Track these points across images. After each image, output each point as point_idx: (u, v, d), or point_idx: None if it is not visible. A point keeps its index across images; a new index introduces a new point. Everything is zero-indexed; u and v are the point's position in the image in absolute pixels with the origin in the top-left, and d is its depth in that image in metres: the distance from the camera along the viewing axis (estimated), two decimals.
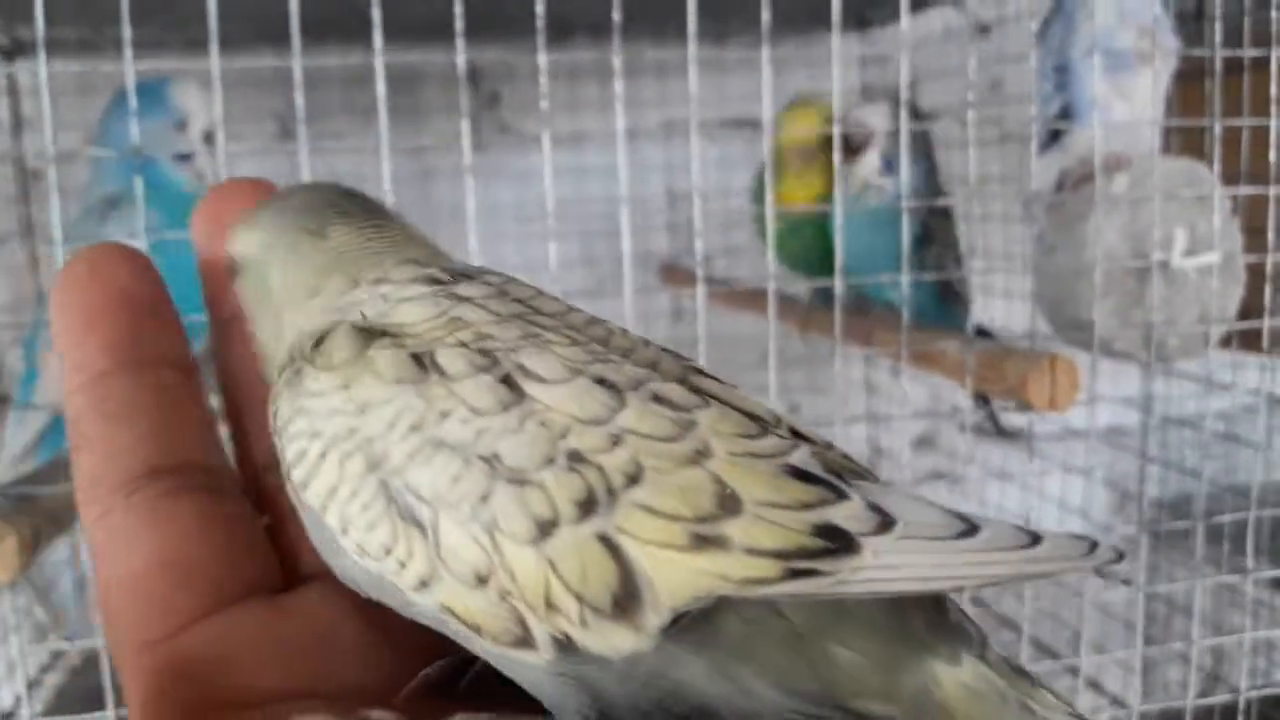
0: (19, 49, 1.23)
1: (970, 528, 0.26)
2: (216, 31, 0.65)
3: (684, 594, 0.25)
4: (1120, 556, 0.27)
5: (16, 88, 1.24)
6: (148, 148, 0.78)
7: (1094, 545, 0.26)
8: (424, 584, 0.26)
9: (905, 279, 0.81)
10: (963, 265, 0.99)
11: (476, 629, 0.26)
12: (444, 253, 0.34)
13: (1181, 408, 1.07)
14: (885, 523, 0.26)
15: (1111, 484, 1.17)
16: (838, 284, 0.79)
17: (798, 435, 0.29)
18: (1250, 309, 0.89)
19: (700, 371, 0.30)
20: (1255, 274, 0.89)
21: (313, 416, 0.28)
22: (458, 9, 0.66)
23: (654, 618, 0.25)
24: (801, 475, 0.27)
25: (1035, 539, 0.26)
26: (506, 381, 0.27)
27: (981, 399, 0.99)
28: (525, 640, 0.26)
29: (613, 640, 0.25)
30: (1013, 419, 1.04)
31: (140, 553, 0.29)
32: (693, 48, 0.71)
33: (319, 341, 0.29)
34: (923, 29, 1.16)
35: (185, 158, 0.94)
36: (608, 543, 0.25)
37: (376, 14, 0.65)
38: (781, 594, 0.25)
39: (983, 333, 0.88)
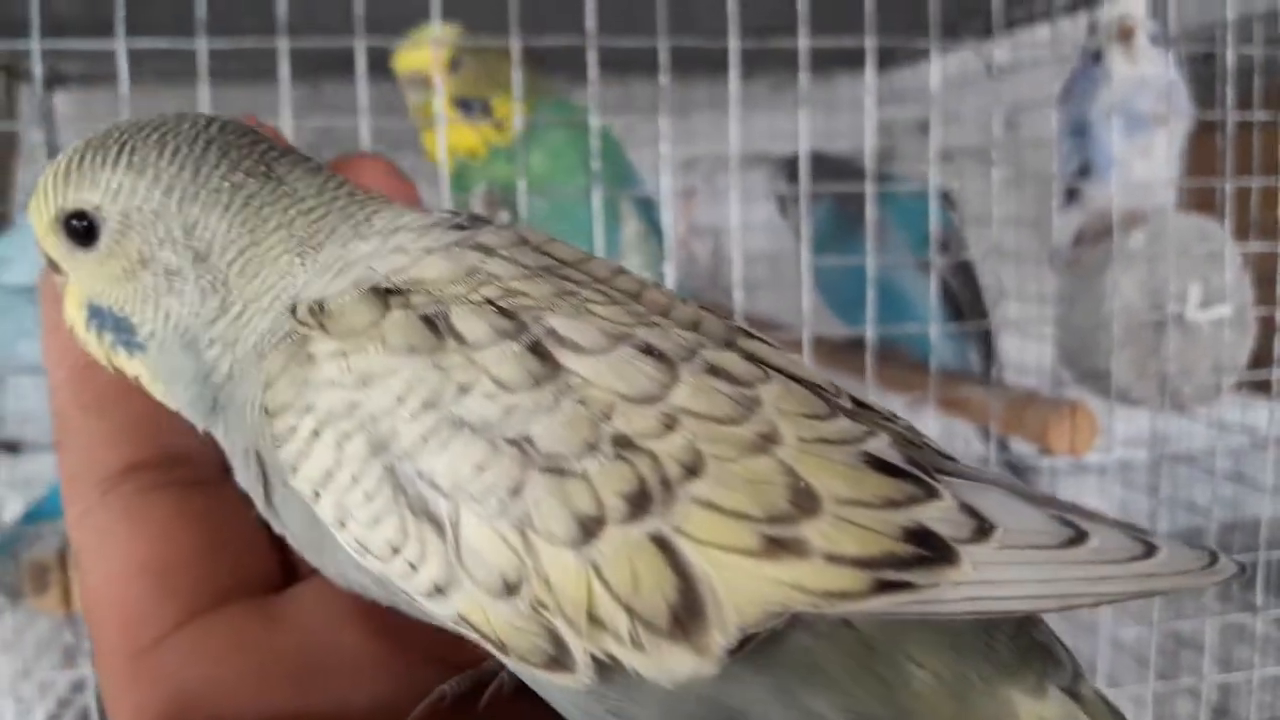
0: (58, 79, 1.27)
1: (1077, 533, 0.22)
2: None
3: (754, 610, 0.21)
4: (1243, 570, 0.23)
5: (53, 116, 1.27)
6: None
7: (1213, 557, 0.23)
8: (439, 590, 0.22)
9: (932, 329, 0.84)
10: (982, 306, 1.02)
11: (500, 645, 0.22)
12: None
13: (1190, 445, 1.10)
14: (982, 527, 0.22)
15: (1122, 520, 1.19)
16: (868, 332, 0.82)
17: (861, 405, 0.25)
18: (1260, 358, 0.93)
19: (747, 332, 0.26)
20: (1265, 325, 0.93)
21: (304, 387, 0.24)
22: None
23: (719, 638, 0.21)
24: (883, 467, 0.23)
25: (1150, 548, 0.23)
26: (536, 351, 0.23)
27: (998, 440, 1.03)
28: (559, 661, 0.22)
29: (668, 663, 0.21)
30: (1027, 457, 1.07)
31: (118, 555, 0.27)
32: (735, 85, 0.73)
33: (320, 308, 0.25)
34: (943, 71, 1.19)
35: None
36: (664, 545, 0.21)
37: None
38: (867, 611, 0.21)
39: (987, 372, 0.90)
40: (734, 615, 0.21)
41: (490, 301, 0.24)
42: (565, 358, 0.23)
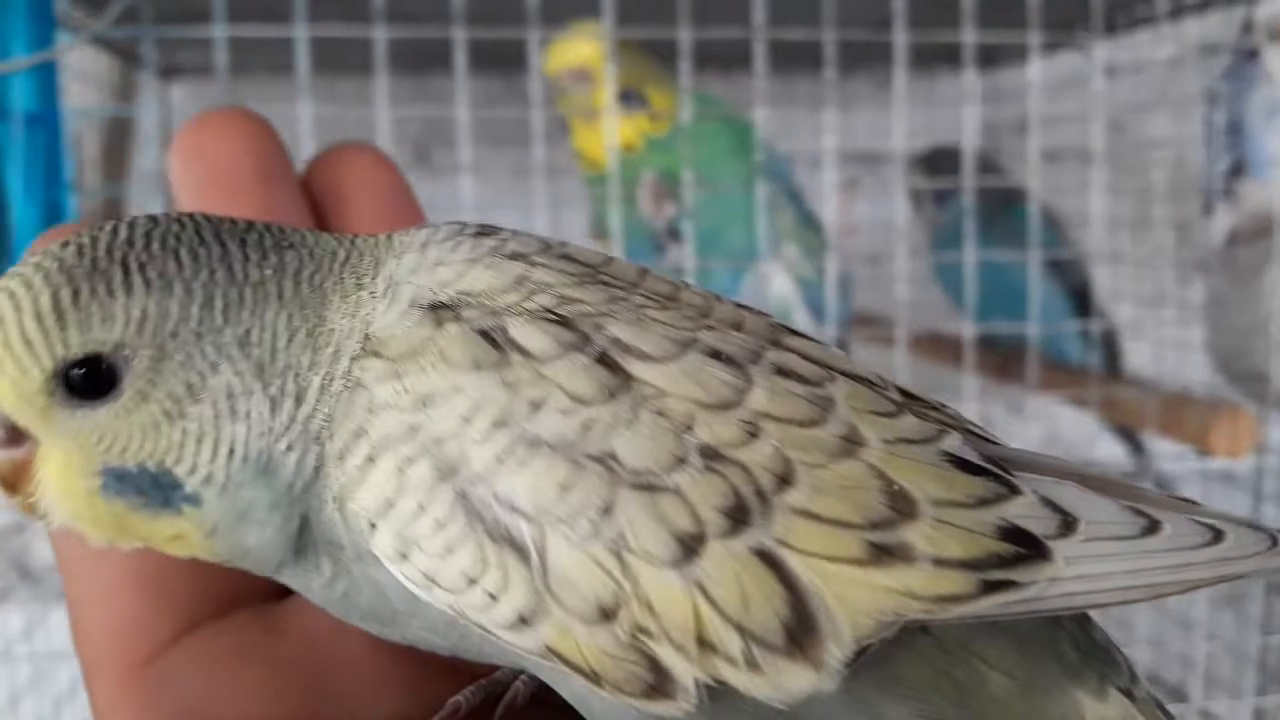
0: (174, 70, 1.29)
1: (1150, 522, 0.22)
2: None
3: (868, 620, 0.21)
4: None
5: (170, 106, 1.29)
6: None
7: (1274, 539, 0.23)
8: (523, 621, 0.21)
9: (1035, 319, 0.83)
10: (1099, 307, 1.01)
11: (593, 675, 0.21)
12: None
13: None
14: (1066, 521, 0.22)
15: None
16: (966, 328, 0.81)
17: (908, 396, 0.25)
18: None
19: (787, 328, 0.25)
20: None
21: (353, 412, 0.22)
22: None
23: (836, 651, 0.21)
24: (965, 465, 0.22)
25: (1217, 533, 0.22)
26: (604, 361, 0.22)
27: (1132, 441, 1.02)
28: (658, 689, 0.21)
29: (785, 682, 0.21)
30: (1167, 458, 1.05)
31: (109, 564, 0.26)
32: (901, 79, 0.72)
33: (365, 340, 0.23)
34: (1049, 72, 1.18)
35: None
36: (769, 559, 0.21)
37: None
38: (976, 614, 0.21)
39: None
40: (848, 627, 0.21)
41: (548, 311, 0.22)
42: (635, 367, 0.22)
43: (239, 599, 0.27)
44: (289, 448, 0.23)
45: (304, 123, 0.73)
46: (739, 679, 0.20)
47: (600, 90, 0.76)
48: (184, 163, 0.29)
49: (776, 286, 0.83)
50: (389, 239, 0.25)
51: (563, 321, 0.22)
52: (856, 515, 0.21)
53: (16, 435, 0.23)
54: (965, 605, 0.21)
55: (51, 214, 0.60)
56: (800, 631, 0.20)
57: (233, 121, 0.29)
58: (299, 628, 0.27)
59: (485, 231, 0.25)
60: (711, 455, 0.21)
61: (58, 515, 0.23)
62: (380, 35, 0.70)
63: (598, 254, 0.25)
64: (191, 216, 0.24)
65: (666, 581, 0.20)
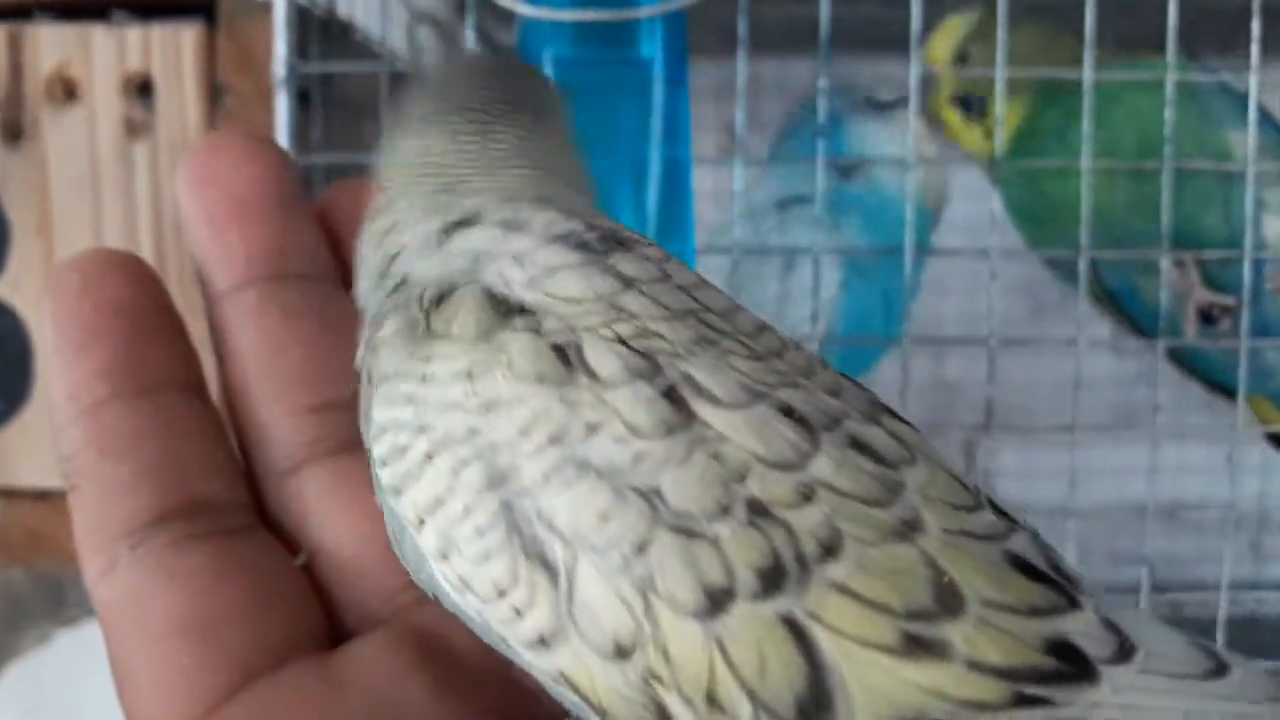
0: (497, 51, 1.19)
1: (1218, 665, 0.21)
2: None
3: (887, 713, 0.20)
4: None
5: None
6: None
7: None
8: (543, 642, 0.21)
9: None
10: None
11: (601, 711, 0.21)
12: (588, 188, 0.28)
13: None
14: (1125, 647, 0.21)
15: None
16: None
17: (998, 511, 0.23)
18: None
19: (889, 410, 0.24)
20: None
21: (422, 406, 0.23)
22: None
23: None
24: (1026, 569, 0.21)
25: None
26: (670, 396, 0.21)
27: None
28: None
29: None
30: None
31: (154, 616, 0.25)
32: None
33: (440, 298, 0.24)
34: None
35: None
36: (796, 630, 0.20)
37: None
38: None
39: None
40: (864, 715, 0.20)
41: (622, 340, 0.22)
42: (701, 408, 0.21)
43: (293, 648, 0.26)
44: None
45: None
46: None
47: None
48: (197, 187, 0.29)
49: None
50: (514, 212, 0.25)
51: (637, 352, 0.22)
52: (898, 601, 0.20)
53: None
54: (991, 715, 0.20)
55: (672, 176, 0.56)
56: (814, 710, 0.20)
57: (246, 147, 0.29)
58: (357, 678, 0.25)
59: (595, 245, 0.24)
60: (759, 511, 0.20)
61: None
62: None
63: (726, 301, 0.25)
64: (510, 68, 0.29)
65: (687, 631, 0.20)
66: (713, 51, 0.65)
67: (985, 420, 0.55)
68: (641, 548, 0.20)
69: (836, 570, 0.20)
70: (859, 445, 0.22)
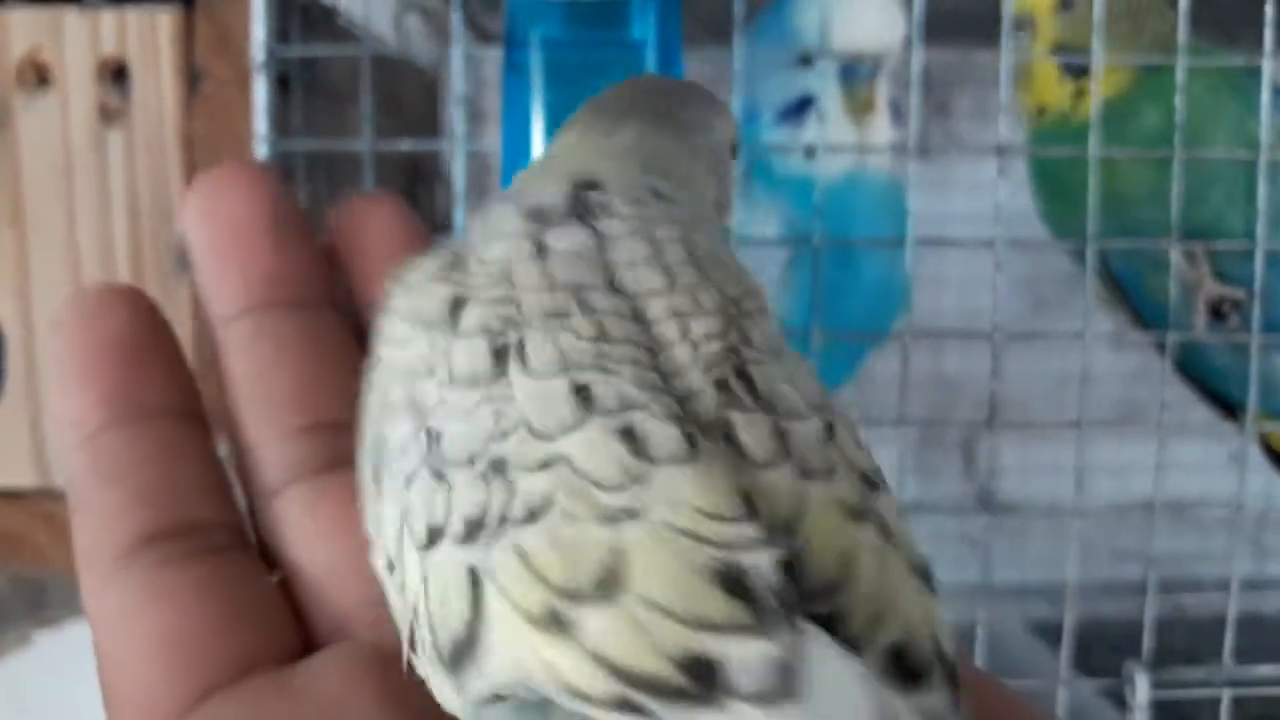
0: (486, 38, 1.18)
1: None
2: None
3: (508, 672, 0.20)
4: None
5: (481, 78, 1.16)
6: None
7: None
8: (390, 567, 0.24)
9: None
10: None
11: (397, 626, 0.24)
12: (676, 170, 0.29)
13: None
14: (786, 690, 0.18)
15: None
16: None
17: (868, 481, 0.22)
18: None
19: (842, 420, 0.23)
20: None
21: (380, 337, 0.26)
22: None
23: (477, 682, 0.21)
24: (732, 584, 0.20)
25: None
26: (497, 355, 0.23)
27: None
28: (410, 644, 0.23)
29: (438, 686, 0.22)
30: None
31: (137, 630, 0.26)
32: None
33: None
34: None
35: None
36: (474, 579, 0.21)
37: None
38: None
39: None
40: (495, 669, 0.20)
41: (495, 300, 0.24)
42: (514, 372, 0.23)
43: (257, 662, 0.27)
44: None
45: None
46: (434, 677, 0.22)
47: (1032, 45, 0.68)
48: (200, 219, 0.31)
49: None
50: (525, 185, 0.28)
51: (499, 314, 0.24)
52: (558, 575, 0.20)
53: None
54: (589, 708, 0.19)
55: None
56: (464, 655, 0.21)
57: (248, 179, 0.31)
58: (313, 689, 0.27)
59: (550, 220, 0.26)
60: (498, 468, 0.22)
61: None
62: None
63: (660, 280, 0.25)
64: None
65: (412, 561, 0.22)
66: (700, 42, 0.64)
67: (989, 416, 0.53)
68: (409, 480, 0.22)
69: (526, 536, 0.20)
70: (628, 435, 0.22)
